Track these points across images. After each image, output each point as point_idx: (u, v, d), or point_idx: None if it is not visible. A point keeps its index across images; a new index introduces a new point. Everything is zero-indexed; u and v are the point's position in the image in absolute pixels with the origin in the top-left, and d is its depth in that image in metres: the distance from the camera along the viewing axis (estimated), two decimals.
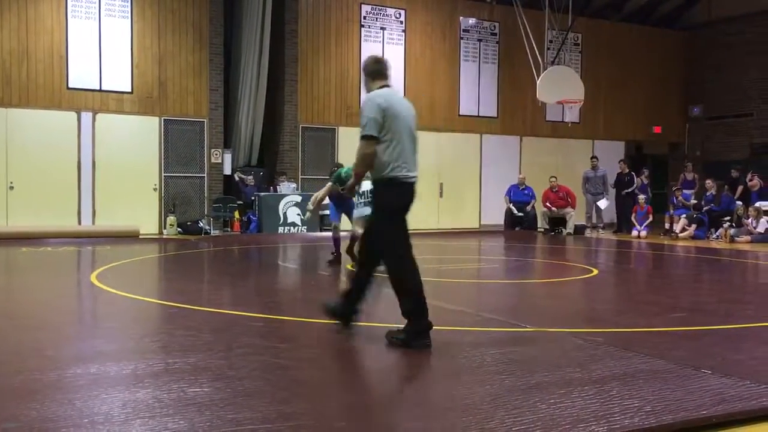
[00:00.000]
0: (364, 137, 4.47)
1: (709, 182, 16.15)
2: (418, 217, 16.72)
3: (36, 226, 13.12)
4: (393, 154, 4.47)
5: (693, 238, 14.85)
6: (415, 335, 4.43)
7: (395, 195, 4.54)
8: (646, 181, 17.19)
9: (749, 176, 16.00)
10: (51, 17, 13.78)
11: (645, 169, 17.75)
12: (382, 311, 6.54)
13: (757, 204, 14.93)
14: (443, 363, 4.25)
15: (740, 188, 16.10)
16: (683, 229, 15.10)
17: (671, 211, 16.04)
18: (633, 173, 16.90)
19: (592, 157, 17.27)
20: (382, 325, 5.55)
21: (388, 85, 4.71)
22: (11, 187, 13.55)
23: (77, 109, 14.03)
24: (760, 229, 14.31)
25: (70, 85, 13.95)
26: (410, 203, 4.62)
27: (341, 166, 9.25)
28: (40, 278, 8.14)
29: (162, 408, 3.23)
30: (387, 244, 4.58)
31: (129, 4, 14.38)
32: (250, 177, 15.53)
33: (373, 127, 4.43)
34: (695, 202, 15.97)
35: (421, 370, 4.15)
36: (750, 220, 14.51)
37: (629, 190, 16.56)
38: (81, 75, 14.01)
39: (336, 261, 9.00)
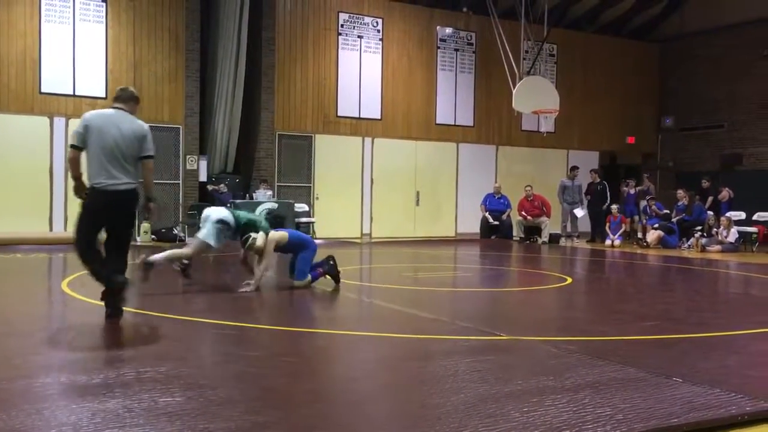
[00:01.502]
0: (69, 147, 5.65)
1: (680, 192, 16.37)
2: (394, 225, 17.05)
3: (6, 233, 12.89)
4: (91, 165, 5.49)
5: (663, 246, 15.03)
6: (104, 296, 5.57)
7: (91, 199, 5.51)
8: (633, 192, 17.32)
9: (719, 189, 16.23)
10: (24, 21, 13.60)
11: (630, 180, 17.89)
12: (353, 322, 6.53)
13: (728, 214, 15.18)
14: (417, 371, 4.25)
15: (710, 199, 16.34)
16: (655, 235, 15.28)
17: (644, 221, 16.23)
18: (605, 183, 17.04)
19: (574, 167, 17.41)
20: (352, 333, 5.54)
21: (117, 107, 5.65)
22: None
23: (50, 114, 13.85)
24: (731, 239, 14.54)
25: (42, 90, 13.77)
26: (106, 207, 5.50)
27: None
28: (9, 285, 8.01)
29: (132, 418, 3.19)
30: (78, 234, 5.54)
31: (104, 9, 14.25)
32: (222, 185, 15.44)
33: (74, 138, 5.56)
34: (666, 212, 16.16)
35: (395, 378, 4.15)
36: (721, 230, 14.72)
37: (607, 203, 16.63)
38: (54, 80, 13.84)
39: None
